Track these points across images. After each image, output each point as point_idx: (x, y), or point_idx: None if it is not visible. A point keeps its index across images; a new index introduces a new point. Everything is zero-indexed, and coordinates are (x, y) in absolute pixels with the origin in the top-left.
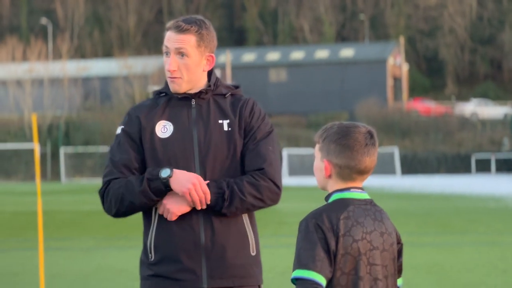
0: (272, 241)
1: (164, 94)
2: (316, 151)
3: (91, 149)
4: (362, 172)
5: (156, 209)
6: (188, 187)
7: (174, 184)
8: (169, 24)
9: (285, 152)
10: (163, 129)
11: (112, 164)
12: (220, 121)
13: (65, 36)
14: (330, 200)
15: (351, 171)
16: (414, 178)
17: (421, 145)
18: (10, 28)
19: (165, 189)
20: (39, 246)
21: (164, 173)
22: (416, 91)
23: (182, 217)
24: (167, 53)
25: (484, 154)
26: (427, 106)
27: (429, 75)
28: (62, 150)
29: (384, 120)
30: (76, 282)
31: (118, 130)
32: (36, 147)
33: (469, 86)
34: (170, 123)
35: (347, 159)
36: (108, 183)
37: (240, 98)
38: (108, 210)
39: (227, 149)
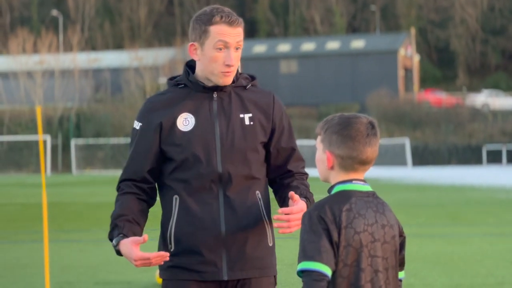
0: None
1: (183, 85)
2: (318, 143)
3: (102, 141)
4: (364, 163)
5: (176, 199)
6: (135, 264)
7: (123, 254)
8: (216, 18)
9: (297, 144)
10: (185, 121)
11: (127, 163)
12: (242, 115)
13: (76, 27)
14: (333, 192)
15: (353, 162)
16: (425, 169)
17: (432, 136)
18: (21, 20)
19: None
20: (44, 238)
21: (115, 241)
22: (427, 82)
23: (203, 209)
24: (222, 48)
25: (495, 145)
26: (438, 97)
27: (440, 66)
28: (73, 142)
29: (395, 111)
30: (85, 275)
31: (136, 125)
32: (40, 138)
33: (481, 77)
34: (192, 116)
35: (349, 149)
36: (120, 182)
37: (262, 91)
38: None
39: (249, 143)
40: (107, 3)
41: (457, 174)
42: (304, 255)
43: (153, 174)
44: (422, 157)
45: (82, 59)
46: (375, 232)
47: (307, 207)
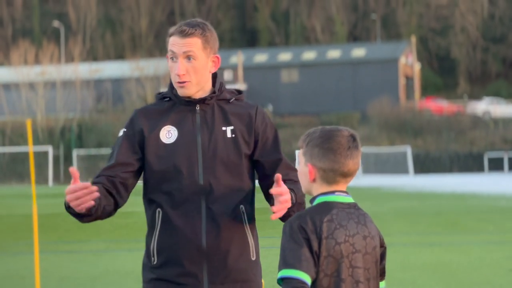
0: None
1: (168, 98)
2: (300, 156)
3: (103, 151)
4: (346, 175)
5: (159, 212)
6: (67, 200)
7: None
8: (171, 29)
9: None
10: (168, 134)
11: (110, 158)
12: (224, 128)
13: (78, 38)
14: (315, 203)
15: (335, 174)
16: (426, 177)
17: (434, 144)
18: (22, 31)
19: (72, 210)
20: (34, 250)
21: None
22: (428, 90)
23: (185, 221)
24: (173, 58)
25: (496, 153)
26: (439, 105)
27: (441, 74)
28: (75, 153)
29: (396, 119)
30: (83, 286)
31: (121, 133)
32: (31, 150)
33: (481, 84)
34: (174, 128)
35: (331, 162)
36: (96, 176)
37: (246, 104)
38: None
39: (232, 155)
40: (109, 14)
41: (458, 182)
42: (284, 263)
43: (129, 175)
44: (424, 165)
45: (84, 70)
46: (356, 243)
47: (292, 198)
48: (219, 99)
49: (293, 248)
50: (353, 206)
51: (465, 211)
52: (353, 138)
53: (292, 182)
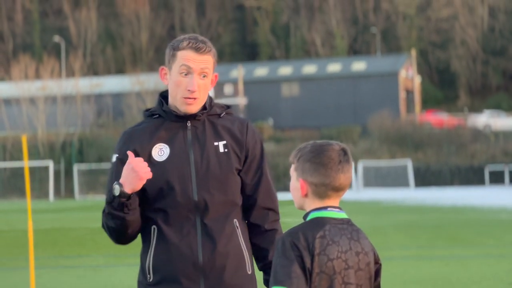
0: None
1: (157, 115)
2: (292, 171)
3: (104, 165)
4: (338, 189)
5: (154, 229)
6: (140, 176)
7: (128, 186)
8: (183, 44)
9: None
10: (160, 152)
11: (107, 195)
12: (216, 143)
13: (78, 53)
14: (308, 219)
15: (326, 189)
16: (427, 190)
17: (434, 158)
18: (23, 46)
19: (127, 200)
20: (30, 266)
21: (116, 190)
22: (428, 103)
23: (180, 238)
24: (187, 74)
25: (497, 166)
26: (439, 118)
27: (442, 87)
28: (76, 167)
29: (397, 132)
30: None
31: (113, 158)
32: (26, 165)
33: (482, 97)
34: (166, 146)
35: (322, 176)
36: (103, 211)
37: (236, 119)
38: (113, 241)
39: (224, 170)
40: (109, 29)
41: (459, 195)
42: (275, 280)
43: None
44: (424, 178)
45: (84, 85)
46: (349, 259)
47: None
48: (210, 114)
49: (284, 264)
50: (346, 221)
51: (465, 224)
52: (344, 152)
53: (271, 234)
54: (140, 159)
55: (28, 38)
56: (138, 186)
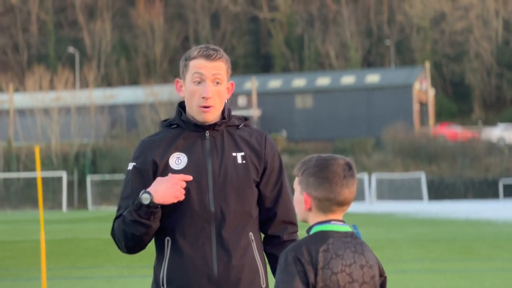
0: None
1: (175, 125)
2: (296, 185)
3: (117, 176)
4: (342, 204)
5: (168, 241)
6: (176, 195)
7: (160, 198)
8: (194, 53)
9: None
10: (177, 161)
11: (121, 203)
12: (234, 154)
13: (92, 64)
14: (311, 232)
15: (330, 203)
16: (441, 203)
17: (448, 170)
18: (38, 57)
19: (155, 208)
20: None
21: (145, 199)
22: (442, 116)
23: (195, 249)
24: (199, 82)
25: None
26: (453, 131)
27: (456, 100)
28: (89, 178)
29: (410, 145)
30: None
31: (130, 166)
32: (39, 175)
33: (496, 110)
34: (184, 155)
35: (326, 191)
36: (114, 223)
37: (255, 131)
38: (120, 249)
39: (242, 181)
40: (123, 40)
41: (473, 208)
42: None
43: None
44: (438, 191)
45: (98, 96)
46: (353, 272)
47: None
48: (228, 125)
49: (286, 280)
50: (350, 235)
51: (479, 237)
52: (349, 166)
53: (289, 244)
54: (183, 178)
55: (42, 49)
56: (168, 202)
